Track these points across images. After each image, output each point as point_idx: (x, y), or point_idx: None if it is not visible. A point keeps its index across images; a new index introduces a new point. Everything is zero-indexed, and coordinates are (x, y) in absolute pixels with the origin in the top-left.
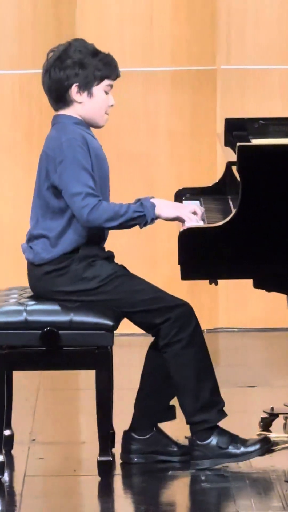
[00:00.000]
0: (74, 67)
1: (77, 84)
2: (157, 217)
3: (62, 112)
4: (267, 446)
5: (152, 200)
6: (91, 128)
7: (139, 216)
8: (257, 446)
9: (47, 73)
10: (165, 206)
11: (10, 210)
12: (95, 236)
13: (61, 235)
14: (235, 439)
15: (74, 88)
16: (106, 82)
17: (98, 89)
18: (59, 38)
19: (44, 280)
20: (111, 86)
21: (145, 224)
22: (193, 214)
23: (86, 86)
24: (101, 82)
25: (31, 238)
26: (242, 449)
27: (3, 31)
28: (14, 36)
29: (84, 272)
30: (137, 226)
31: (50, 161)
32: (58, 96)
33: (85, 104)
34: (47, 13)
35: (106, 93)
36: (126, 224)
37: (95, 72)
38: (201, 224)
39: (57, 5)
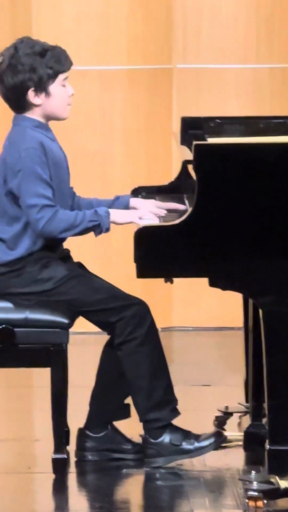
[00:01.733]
0: (26, 72)
1: (32, 88)
2: (111, 223)
3: (23, 113)
4: (220, 440)
5: (129, 200)
6: (53, 126)
7: (94, 226)
8: (211, 441)
9: (0, 81)
10: (119, 212)
11: None
12: (50, 243)
13: (17, 240)
14: (188, 435)
15: (30, 93)
16: (61, 76)
17: (55, 86)
18: (15, 36)
19: None
20: (67, 77)
21: (99, 233)
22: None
23: (42, 88)
24: (56, 79)
25: None
26: (196, 445)
27: None
28: None
29: (39, 274)
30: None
31: (8, 168)
32: (17, 103)
33: (45, 105)
34: (3, 11)
35: (64, 85)
36: (81, 233)
37: (48, 71)
38: (157, 222)
39: (13, 3)
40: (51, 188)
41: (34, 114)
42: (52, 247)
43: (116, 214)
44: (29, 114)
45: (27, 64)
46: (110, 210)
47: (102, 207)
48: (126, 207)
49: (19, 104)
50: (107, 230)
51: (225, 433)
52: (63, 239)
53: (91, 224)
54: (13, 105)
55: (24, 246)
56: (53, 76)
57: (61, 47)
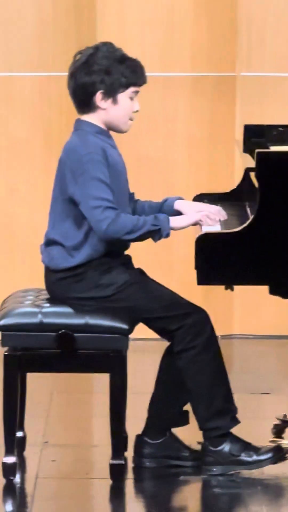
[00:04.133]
0: (100, 74)
1: (102, 91)
2: (171, 229)
3: (85, 117)
4: (279, 455)
5: (174, 203)
6: (114, 135)
7: (155, 230)
8: (270, 455)
9: (73, 76)
10: (178, 218)
11: (28, 211)
12: (112, 249)
13: (77, 248)
14: (247, 447)
15: (99, 95)
16: (131, 89)
17: (123, 96)
18: (79, 41)
19: (59, 285)
20: (137, 92)
21: (159, 238)
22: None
23: (111, 93)
24: (127, 89)
25: (48, 242)
26: (255, 457)
27: (24, 34)
28: (35, 39)
29: (100, 279)
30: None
31: (69, 172)
32: (83, 101)
33: (109, 111)
34: (67, 16)
35: (132, 99)
36: (143, 237)
37: (121, 79)
38: (218, 228)
39: (78, 8)
40: (112, 192)
41: (96, 119)
42: (114, 253)
43: (175, 220)
44: (91, 118)
45: (103, 66)
46: (170, 217)
47: (162, 213)
48: (171, 208)
49: (85, 103)
50: (167, 235)
51: (283, 442)
52: (125, 245)
53: (153, 228)
54: (78, 103)
55: (84, 254)
56: (125, 86)
57: (140, 63)
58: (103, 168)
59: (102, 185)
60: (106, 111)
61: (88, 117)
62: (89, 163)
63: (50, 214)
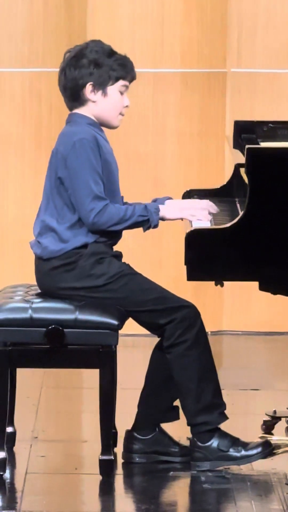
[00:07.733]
0: (89, 66)
1: (91, 83)
2: (161, 219)
3: (77, 111)
4: (268, 450)
5: (164, 203)
6: (105, 130)
7: (143, 221)
8: (258, 450)
9: (63, 72)
10: (170, 208)
11: (17, 208)
12: (106, 235)
13: (70, 230)
14: (236, 442)
15: (88, 87)
16: (121, 82)
17: (113, 89)
18: (70, 37)
19: (51, 275)
20: (127, 87)
21: (147, 228)
22: (204, 212)
23: (100, 86)
24: (116, 82)
25: (40, 232)
26: (243, 452)
27: (14, 30)
28: (25, 35)
29: (92, 269)
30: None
31: (61, 158)
32: (73, 95)
33: (99, 103)
34: (58, 13)
35: (121, 93)
36: (131, 228)
37: (110, 72)
38: (208, 225)
39: (68, 4)
40: (102, 182)
41: (88, 112)
42: (107, 240)
43: (166, 210)
44: (83, 111)
45: (92, 59)
46: (160, 206)
47: (153, 203)
48: None
49: (75, 97)
50: (155, 226)
51: (273, 438)
52: (115, 233)
53: (141, 219)
54: (69, 97)
55: (77, 240)
56: (114, 79)
57: (129, 59)
58: (95, 155)
59: (92, 173)
60: (96, 104)
61: (79, 111)
62: (81, 149)
63: (41, 205)
